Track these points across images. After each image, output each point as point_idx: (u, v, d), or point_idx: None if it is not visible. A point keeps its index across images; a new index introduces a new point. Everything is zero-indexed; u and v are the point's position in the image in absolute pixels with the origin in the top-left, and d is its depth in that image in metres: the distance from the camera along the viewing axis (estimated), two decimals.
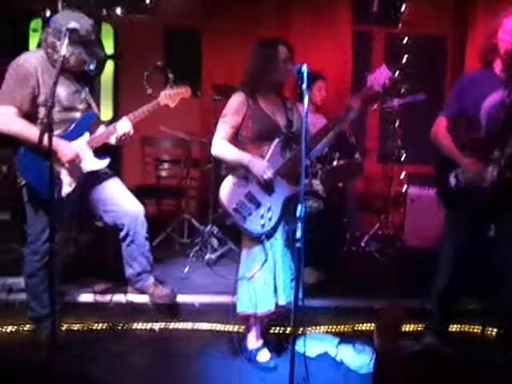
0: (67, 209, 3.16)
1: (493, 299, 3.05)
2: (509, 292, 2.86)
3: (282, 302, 3.01)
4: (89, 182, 3.29)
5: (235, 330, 3.36)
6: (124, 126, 3.22)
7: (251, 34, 5.30)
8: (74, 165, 3.15)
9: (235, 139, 3.04)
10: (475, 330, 3.56)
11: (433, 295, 3.20)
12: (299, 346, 2.85)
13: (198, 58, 5.87)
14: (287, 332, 3.39)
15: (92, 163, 3.23)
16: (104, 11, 5.37)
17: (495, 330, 3.26)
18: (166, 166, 5.69)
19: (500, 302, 2.92)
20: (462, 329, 3.58)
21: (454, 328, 3.53)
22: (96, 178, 3.32)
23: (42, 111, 3.03)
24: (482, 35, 3.03)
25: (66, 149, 3.09)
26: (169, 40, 5.95)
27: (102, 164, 3.27)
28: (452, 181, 2.95)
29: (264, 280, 2.98)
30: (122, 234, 3.39)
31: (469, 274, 3.15)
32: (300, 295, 2.77)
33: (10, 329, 3.44)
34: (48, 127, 2.44)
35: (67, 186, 3.16)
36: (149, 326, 3.56)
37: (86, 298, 3.73)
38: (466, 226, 2.97)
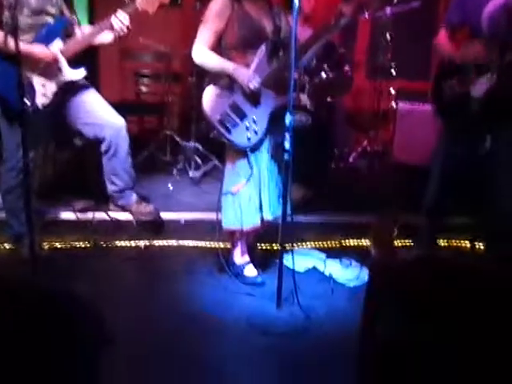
0: (43, 122, 2.99)
1: (483, 213, 3.02)
2: (500, 205, 2.82)
3: (267, 218, 2.93)
4: (65, 93, 3.11)
5: (221, 246, 3.31)
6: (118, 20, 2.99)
7: None
8: (49, 73, 2.96)
9: (218, 46, 2.85)
10: (464, 245, 3.55)
11: (422, 210, 3.16)
12: (287, 261, 2.81)
13: None
14: (274, 248, 3.34)
15: (69, 73, 3.04)
16: None
17: (483, 243, 3.26)
18: (145, 81, 5.45)
19: (491, 216, 2.89)
20: (450, 243, 3.57)
21: (442, 243, 3.51)
22: (73, 89, 3.15)
23: (7, 14, 2.79)
24: None
25: (42, 51, 2.89)
26: None
27: (79, 74, 3.09)
28: (448, 89, 2.84)
29: (249, 195, 2.89)
30: (104, 147, 3.25)
31: (459, 189, 3.10)
32: (288, 210, 2.71)
33: None
34: (13, 29, 2.24)
35: (42, 96, 2.98)
36: (133, 243, 3.49)
37: (67, 215, 3.63)
38: (460, 138, 2.91)
